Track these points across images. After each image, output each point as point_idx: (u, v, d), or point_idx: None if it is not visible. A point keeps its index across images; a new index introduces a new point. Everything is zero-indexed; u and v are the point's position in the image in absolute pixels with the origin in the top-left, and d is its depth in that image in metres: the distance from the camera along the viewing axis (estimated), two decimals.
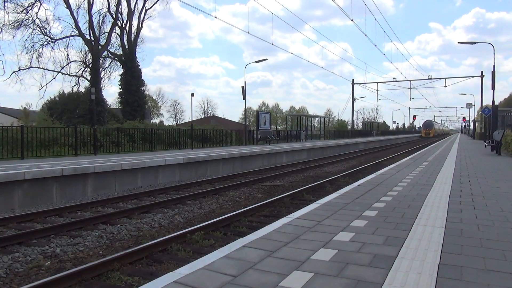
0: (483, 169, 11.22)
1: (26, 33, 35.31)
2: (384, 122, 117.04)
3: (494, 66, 27.49)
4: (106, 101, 41.40)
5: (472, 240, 3.93)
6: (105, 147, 18.80)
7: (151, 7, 40.19)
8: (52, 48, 40.45)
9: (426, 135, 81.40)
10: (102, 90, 38.39)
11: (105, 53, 39.35)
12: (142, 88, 41.37)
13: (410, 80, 45.49)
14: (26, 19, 34.39)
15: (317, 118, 65.51)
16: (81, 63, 39.55)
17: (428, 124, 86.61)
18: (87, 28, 37.22)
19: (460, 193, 6.83)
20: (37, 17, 35.22)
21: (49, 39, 36.55)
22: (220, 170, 16.94)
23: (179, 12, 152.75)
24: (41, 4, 34.97)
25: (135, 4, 38.56)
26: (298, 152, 25.28)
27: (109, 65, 41.48)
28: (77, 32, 36.86)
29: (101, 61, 38.96)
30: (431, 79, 44.44)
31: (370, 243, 3.80)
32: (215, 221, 7.32)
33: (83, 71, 39.63)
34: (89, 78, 38.33)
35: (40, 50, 36.14)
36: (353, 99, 57.50)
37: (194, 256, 5.52)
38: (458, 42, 31.20)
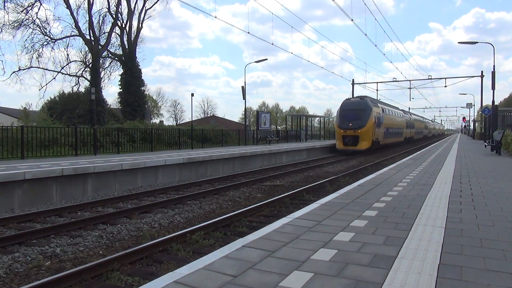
0: (483, 169, 11.22)
1: (26, 33, 35.37)
2: None
3: (494, 66, 27.51)
4: (106, 101, 41.40)
5: (472, 240, 3.93)
6: (105, 147, 18.80)
7: (151, 7, 40.18)
8: (52, 48, 40.53)
9: (347, 146, 27.66)
10: (102, 90, 38.39)
11: (105, 53, 39.34)
12: (142, 88, 41.37)
13: (410, 80, 45.35)
14: (26, 19, 34.39)
15: (317, 118, 65.55)
16: (81, 63, 39.56)
17: (352, 113, 28.07)
18: (87, 28, 37.22)
19: (460, 193, 6.83)
20: (37, 17, 35.22)
21: (49, 39, 36.55)
22: (220, 170, 16.94)
23: (179, 12, 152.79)
24: (41, 4, 34.97)
25: (135, 4, 38.55)
26: (298, 152, 25.27)
27: (109, 65, 41.49)
28: (77, 32, 36.86)
29: (101, 61, 38.95)
30: (431, 79, 44.38)
31: (370, 243, 3.80)
32: (215, 221, 7.32)
33: (83, 71, 39.64)
34: (89, 78, 38.33)
35: (40, 50, 36.15)
36: None
37: (194, 256, 5.52)
38: (458, 42, 31.04)
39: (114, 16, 38.19)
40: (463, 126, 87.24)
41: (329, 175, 15.26)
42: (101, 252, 6.05)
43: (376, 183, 8.01)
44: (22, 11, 33.83)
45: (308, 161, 22.57)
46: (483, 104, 37.27)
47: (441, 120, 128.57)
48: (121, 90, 38.99)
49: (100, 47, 37.77)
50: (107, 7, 38.39)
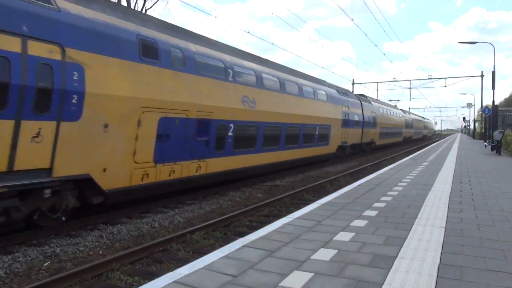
0: (483, 169, 11.22)
1: None
2: None
3: (494, 66, 27.49)
4: None
5: (472, 240, 3.93)
6: None
7: (151, 7, 40.19)
8: None
9: None
10: None
11: None
12: None
13: (410, 80, 45.35)
14: None
15: None
16: None
17: None
18: None
19: (460, 193, 6.83)
20: None
21: None
22: None
23: (179, 12, 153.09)
24: None
25: (135, 4, 38.60)
26: None
27: None
28: None
29: None
30: (431, 79, 44.33)
31: (370, 243, 3.80)
32: (215, 221, 7.32)
33: None
34: None
35: None
36: None
37: (194, 256, 5.52)
38: (459, 42, 30.94)
39: None
40: (463, 126, 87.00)
41: (329, 175, 15.26)
42: (101, 252, 6.06)
43: (376, 183, 8.01)
44: None
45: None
46: (483, 104, 37.28)
47: (441, 120, 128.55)
48: None
49: None
50: None
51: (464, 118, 76.58)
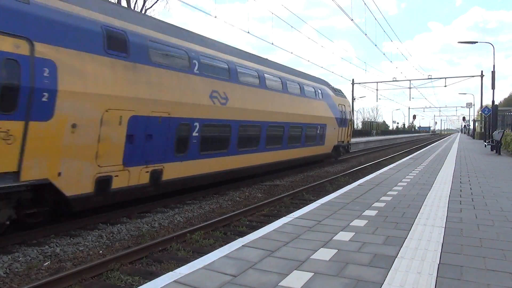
0: (483, 168, 11.22)
1: None
2: (384, 121, 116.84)
3: (494, 65, 27.48)
4: None
5: (472, 240, 3.93)
6: None
7: (151, 7, 40.17)
8: None
9: None
10: None
11: None
12: None
13: (410, 80, 45.29)
14: None
15: None
16: None
17: None
18: None
19: (460, 193, 6.83)
20: None
21: None
22: None
23: (179, 12, 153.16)
24: None
25: (135, 3, 38.56)
26: None
27: None
28: None
29: None
30: (431, 79, 44.30)
31: (370, 243, 3.81)
32: (215, 221, 7.33)
33: None
34: None
35: None
36: (353, 99, 57.43)
37: (194, 255, 5.52)
38: (458, 42, 30.79)
39: None
40: (463, 126, 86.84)
41: (329, 175, 15.27)
42: (101, 251, 6.06)
43: (376, 183, 8.01)
44: None
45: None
46: (483, 104, 37.28)
47: (441, 120, 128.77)
48: None
49: None
50: None
51: (464, 118, 76.44)
